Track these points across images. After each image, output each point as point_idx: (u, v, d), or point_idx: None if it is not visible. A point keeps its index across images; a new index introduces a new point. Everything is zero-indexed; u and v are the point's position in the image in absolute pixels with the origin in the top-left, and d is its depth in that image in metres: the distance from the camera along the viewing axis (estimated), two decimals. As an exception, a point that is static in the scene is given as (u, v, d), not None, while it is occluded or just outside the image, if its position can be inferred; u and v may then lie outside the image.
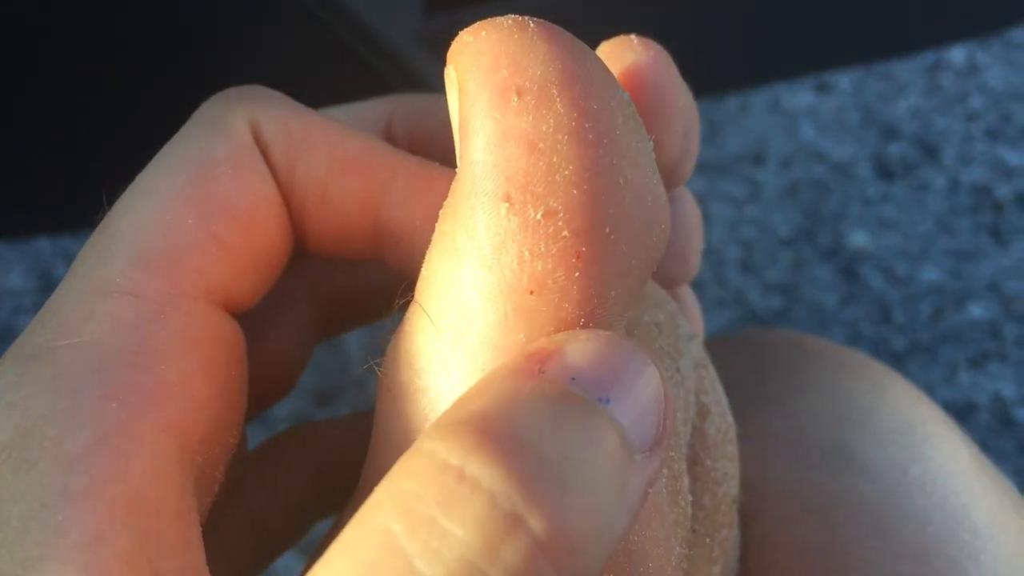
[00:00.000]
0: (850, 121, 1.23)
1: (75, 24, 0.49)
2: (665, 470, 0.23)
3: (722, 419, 0.28)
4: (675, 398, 0.25)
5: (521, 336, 0.19)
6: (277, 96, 0.26)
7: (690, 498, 0.25)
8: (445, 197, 0.23)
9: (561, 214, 0.18)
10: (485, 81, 0.19)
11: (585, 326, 0.19)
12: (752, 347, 0.42)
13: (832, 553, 0.33)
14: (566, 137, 0.18)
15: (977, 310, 1.10)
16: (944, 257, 1.14)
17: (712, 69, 0.66)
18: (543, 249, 0.18)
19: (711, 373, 0.28)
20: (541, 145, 0.18)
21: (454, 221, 0.19)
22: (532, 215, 0.18)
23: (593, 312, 0.19)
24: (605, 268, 0.19)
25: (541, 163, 0.18)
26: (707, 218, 1.15)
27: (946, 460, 0.36)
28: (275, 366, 0.29)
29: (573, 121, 0.18)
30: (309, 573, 0.17)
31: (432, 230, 0.24)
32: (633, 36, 0.26)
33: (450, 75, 0.20)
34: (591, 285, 0.19)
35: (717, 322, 1.09)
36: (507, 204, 0.18)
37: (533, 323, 0.19)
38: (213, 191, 0.23)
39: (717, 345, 0.41)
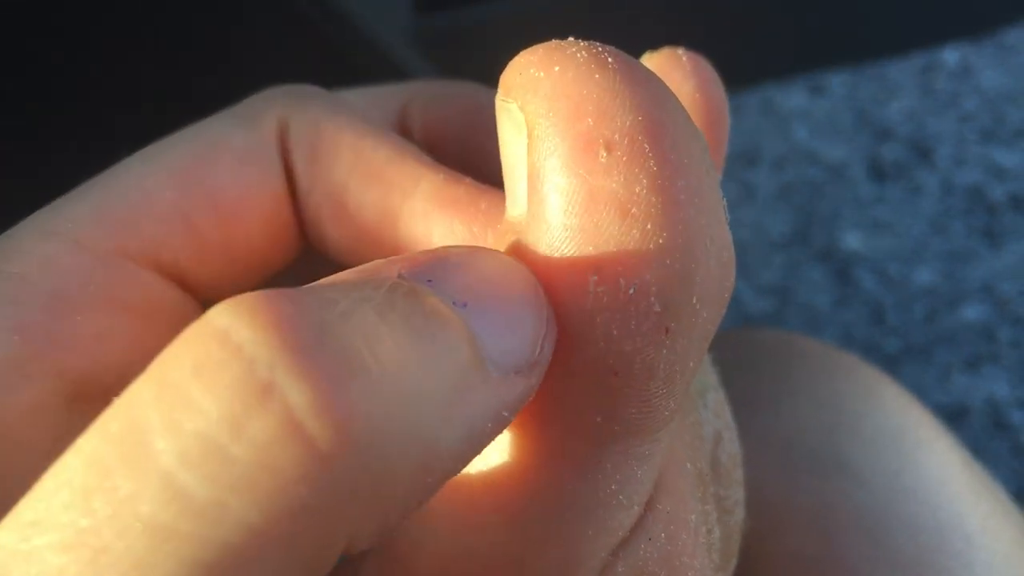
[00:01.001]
0: (843, 122, 1.23)
1: (61, 21, 0.48)
2: (706, 506, 0.22)
3: (733, 445, 0.26)
4: (703, 438, 0.24)
5: (599, 419, 0.17)
6: (322, 96, 0.25)
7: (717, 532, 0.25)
8: (468, 217, 0.23)
9: (653, 288, 0.16)
10: (567, 131, 0.17)
11: (661, 400, 0.17)
12: (741, 348, 0.42)
13: (824, 562, 0.32)
14: (660, 199, 0.16)
15: (971, 312, 1.10)
16: (937, 259, 1.14)
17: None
18: (633, 327, 0.17)
19: (722, 395, 0.27)
20: (634, 210, 0.16)
21: None
22: (623, 288, 0.17)
23: (673, 387, 0.18)
24: (690, 342, 0.17)
25: (634, 231, 0.16)
26: (700, 219, 1.14)
27: (938, 467, 0.35)
28: None
29: (666, 180, 0.16)
30: (61, 458, 0.15)
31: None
32: (680, 50, 0.24)
33: (510, 112, 0.18)
34: (676, 361, 0.17)
35: (710, 324, 1.09)
36: (595, 276, 0.17)
37: (615, 406, 0.17)
38: (204, 177, 0.23)
39: (708, 348, 0.40)
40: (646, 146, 0.16)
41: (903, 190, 1.18)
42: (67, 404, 0.21)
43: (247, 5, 0.53)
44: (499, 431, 0.16)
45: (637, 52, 0.25)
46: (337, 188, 0.24)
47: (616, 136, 0.16)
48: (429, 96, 0.28)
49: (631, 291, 0.16)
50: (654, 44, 0.26)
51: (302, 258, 0.26)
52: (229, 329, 0.14)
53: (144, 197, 0.23)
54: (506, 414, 0.16)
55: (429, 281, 0.16)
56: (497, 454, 0.18)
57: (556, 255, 0.17)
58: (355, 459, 0.14)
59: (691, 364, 0.18)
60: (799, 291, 1.12)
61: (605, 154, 0.16)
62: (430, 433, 0.14)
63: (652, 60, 0.24)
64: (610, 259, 0.16)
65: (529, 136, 0.17)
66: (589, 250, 0.17)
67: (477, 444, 0.16)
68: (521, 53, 0.18)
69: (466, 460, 0.16)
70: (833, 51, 0.75)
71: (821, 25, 0.71)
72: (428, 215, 0.23)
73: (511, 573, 0.19)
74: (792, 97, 1.24)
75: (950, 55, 1.27)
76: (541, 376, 0.17)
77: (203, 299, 0.24)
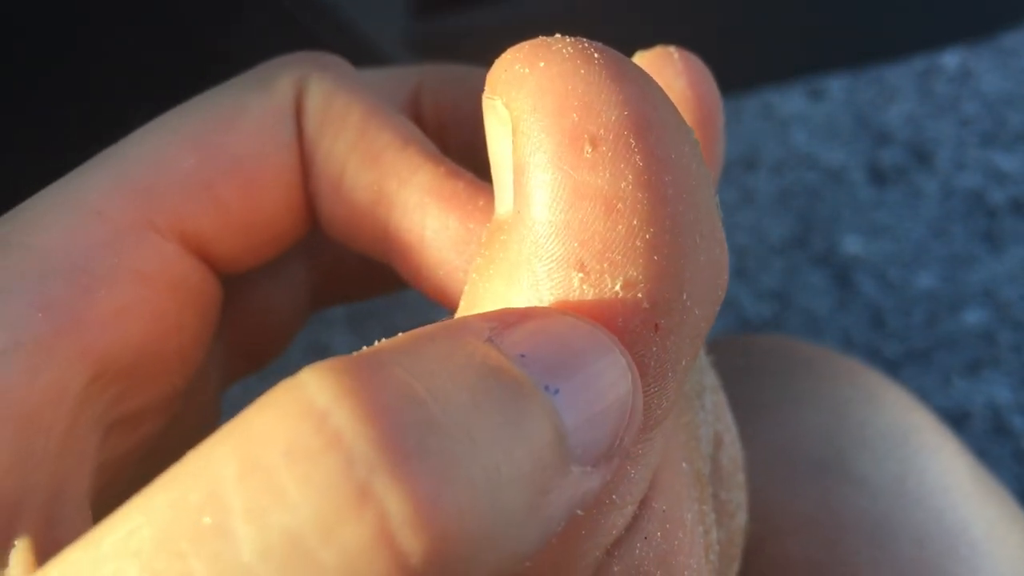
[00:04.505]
0: (842, 126, 1.22)
1: (54, 20, 0.48)
2: (704, 507, 0.22)
3: (734, 448, 0.26)
4: (700, 439, 0.23)
5: None
6: (340, 67, 0.25)
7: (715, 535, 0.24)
8: (465, 213, 0.22)
9: (641, 284, 0.16)
10: (552, 126, 0.16)
11: (653, 399, 0.17)
12: (743, 354, 0.42)
13: (828, 567, 0.32)
14: (646, 195, 0.16)
15: (971, 316, 1.10)
16: (938, 263, 1.13)
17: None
18: (620, 324, 0.16)
19: (722, 398, 0.26)
20: (620, 205, 0.16)
21: (508, 283, 0.17)
22: (609, 286, 0.16)
23: (665, 385, 0.17)
24: (681, 339, 0.17)
25: (620, 226, 0.16)
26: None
27: (943, 472, 0.35)
28: (264, 324, 0.28)
29: (652, 176, 0.16)
30: (125, 508, 0.14)
31: (444, 247, 0.22)
32: (672, 49, 0.24)
33: (497, 110, 0.17)
34: (667, 359, 0.17)
35: (709, 331, 1.08)
36: (580, 273, 0.16)
37: None
38: (225, 143, 0.22)
39: (707, 351, 0.40)
40: (632, 141, 0.16)
41: (903, 194, 1.18)
42: (85, 386, 0.20)
43: (243, 8, 0.53)
44: (566, 525, 0.15)
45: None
46: (336, 164, 0.23)
47: (601, 131, 0.16)
48: (441, 79, 0.27)
49: (616, 287, 0.16)
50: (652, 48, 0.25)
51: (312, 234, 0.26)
52: (328, 411, 0.13)
53: (166, 165, 0.22)
54: (579, 512, 0.15)
55: (523, 356, 0.15)
56: None
57: (540, 251, 0.17)
58: (439, 574, 0.13)
59: (683, 362, 0.17)
60: (799, 295, 1.12)
61: (590, 149, 0.16)
62: (510, 540, 0.14)
63: (643, 58, 0.23)
64: (595, 255, 0.16)
65: (514, 132, 0.17)
66: (574, 246, 0.16)
67: (546, 543, 0.15)
68: (508, 50, 0.18)
69: (531, 559, 0.15)
70: (832, 55, 0.75)
71: (820, 29, 0.71)
72: (424, 207, 0.23)
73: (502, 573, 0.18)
74: (791, 101, 1.24)
75: (950, 59, 1.27)
76: (615, 469, 0.16)
77: (222, 274, 0.24)
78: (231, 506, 0.13)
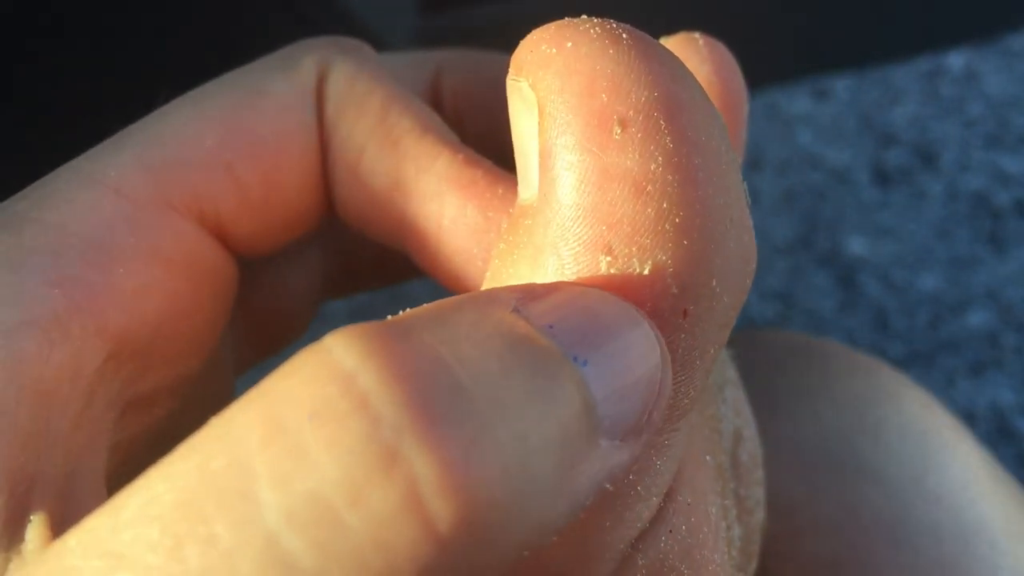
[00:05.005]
0: (847, 127, 1.22)
1: (54, 20, 0.48)
2: (726, 501, 0.21)
3: (753, 443, 0.26)
4: (721, 433, 0.23)
5: None
6: (363, 51, 0.25)
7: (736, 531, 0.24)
8: (483, 201, 0.22)
9: (670, 268, 0.16)
10: (579, 107, 0.16)
11: (680, 387, 0.17)
12: (759, 349, 0.41)
13: (846, 565, 0.32)
14: (676, 178, 0.16)
15: (975, 318, 1.10)
16: (942, 265, 1.13)
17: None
18: (649, 308, 0.16)
19: (741, 393, 0.26)
20: (649, 188, 0.16)
21: (533, 267, 0.17)
22: (637, 269, 0.16)
23: (693, 374, 0.17)
24: (709, 326, 0.17)
25: (649, 209, 0.16)
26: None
27: (962, 470, 0.35)
28: (278, 310, 0.28)
29: (683, 158, 0.16)
30: (147, 476, 0.14)
31: (462, 236, 0.21)
32: (697, 35, 0.24)
33: (522, 90, 0.17)
34: (695, 347, 0.17)
35: (713, 329, 1.08)
36: (608, 257, 0.16)
37: None
38: (246, 123, 0.22)
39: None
40: (662, 123, 0.16)
41: (907, 195, 1.18)
42: (102, 364, 0.20)
43: (250, 5, 0.53)
44: (595, 500, 0.15)
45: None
46: (355, 149, 0.23)
47: (631, 112, 0.16)
48: (460, 65, 0.27)
49: (645, 271, 0.16)
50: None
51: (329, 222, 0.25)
52: (355, 372, 0.13)
53: (187, 143, 0.22)
54: (608, 486, 0.15)
55: (551, 327, 0.15)
56: None
57: (567, 235, 0.16)
58: (467, 541, 0.12)
59: (711, 351, 0.17)
60: (803, 296, 1.11)
61: (619, 130, 0.16)
62: (539, 512, 0.13)
63: (668, 44, 0.23)
64: (623, 238, 0.16)
65: (540, 114, 0.17)
66: (602, 229, 0.16)
67: (575, 517, 0.15)
68: (533, 31, 0.17)
69: (560, 533, 0.15)
70: (838, 55, 0.74)
71: (825, 29, 0.71)
72: (442, 195, 0.22)
73: (526, 564, 0.18)
74: (796, 101, 1.24)
75: (955, 60, 1.27)
76: (646, 445, 0.16)
77: (239, 256, 0.24)
78: (255, 470, 0.12)
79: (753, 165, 1.20)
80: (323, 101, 0.23)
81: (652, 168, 0.16)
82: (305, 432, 0.12)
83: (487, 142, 0.25)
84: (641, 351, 0.15)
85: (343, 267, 0.29)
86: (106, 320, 0.20)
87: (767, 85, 1.02)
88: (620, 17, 0.18)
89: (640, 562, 0.18)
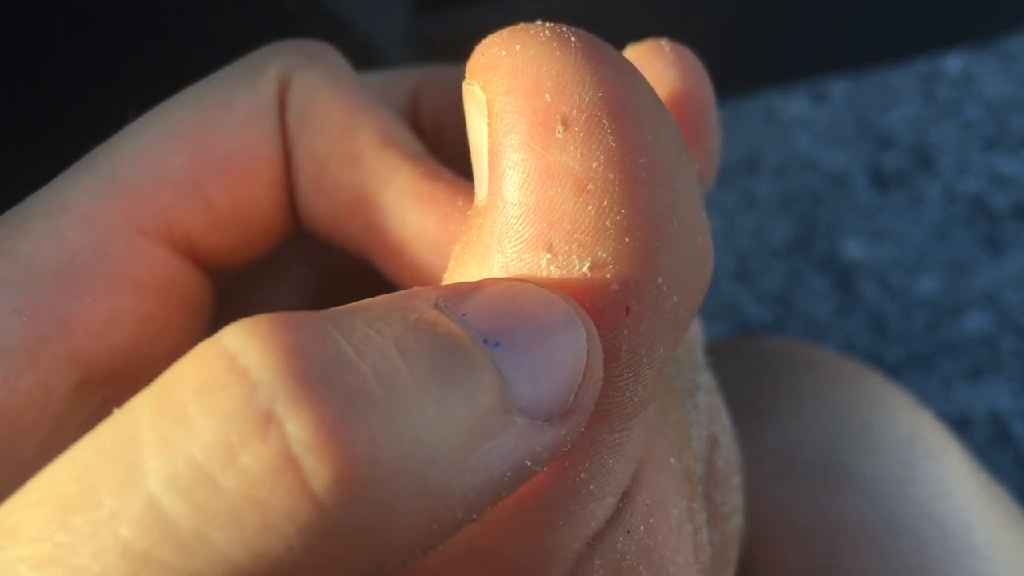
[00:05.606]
0: (845, 130, 1.22)
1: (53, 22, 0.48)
2: (694, 505, 0.21)
3: (730, 449, 0.26)
4: (694, 437, 0.23)
5: None
6: (327, 58, 0.24)
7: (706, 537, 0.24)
8: (443, 215, 0.22)
9: (611, 266, 0.16)
10: (524, 107, 0.16)
11: (627, 385, 0.17)
12: (744, 356, 0.41)
13: (827, 573, 0.32)
14: (618, 176, 0.16)
15: (973, 322, 1.10)
16: (939, 268, 1.13)
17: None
18: (588, 306, 0.16)
19: (718, 400, 0.26)
20: (590, 186, 0.16)
21: (480, 266, 0.17)
22: (577, 266, 0.16)
23: (640, 372, 0.17)
24: (656, 324, 0.17)
25: (590, 207, 0.16)
26: (700, 227, 1.13)
27: (946, 477, 0.35)
28: None
29: (625, 157, 0.16)
30: (53, 462, 0.14)
31: (423, 248, 0.22)
32: (663, 41, 0.24)
33: (474, 93, 0.17)
34: (640, 344, 0.17)
35: (710, 333, 1.08)
36: (549, 254, 0.16)
37: None
38: (212, 140, 0.22)
39: (707, 353, 0.40)
40: (605, 122, 0.16)
41: (905, 198, 1.18)
42: (73, 390, 0.20)
43: (242, 6, 0.53)
44: (522, 482, 0.15)
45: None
46: (317, 163, 0.23)
47: (574, 112, 0.16)
48: (440, 80, 0.28)
49: (585, 268, 0.16)
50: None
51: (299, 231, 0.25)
52: (239, 351, 0.13)
53: (155, 164, 0.22)
54: (530, 464, 0.15)
55: (464, 315, 0.15)
56: None
57: (510, 233, 0.17)
58: (353, 505, 0.13)
59: (660, 350, 0.17)
60: (800, 300, 1.11)
61: (562, 129, 0.16)
62: (441, 481, 0.14)
63: (634, 50, 0.23)
64: (564, 235, 0.16)
65: (489, 115, 0.17)
66: (543, 227, 0.16)
67: (493, 495, 0.15)
68: (488, 36, 0.18)
69: (480, 511, 0.15)
70: (835, 58, 0.74)
71: (822, 32, 0.71)
72: (403, 210, 0.23)
73: (479, 564, 0.18)
74: (793, 104, 1.23)
75: (952, 63, 1.27)
76: (576, 428, 0.16)
77: (212, 273, 0.24)
78: (143, 441, 0.13)
79: (750, 168, 1.19)
80: (285, 112, 0.23)
81: (593, 167, 0.16)
82: (189, 403, 0.13)
83: (464, 156, 0.25)
84: (562, 336, 0.16)
85: (328, 281, 0.29)
86: (76, 347, 0.20)
87: (764, 88, 1.02)
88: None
89: (596, 562, 0.19)
